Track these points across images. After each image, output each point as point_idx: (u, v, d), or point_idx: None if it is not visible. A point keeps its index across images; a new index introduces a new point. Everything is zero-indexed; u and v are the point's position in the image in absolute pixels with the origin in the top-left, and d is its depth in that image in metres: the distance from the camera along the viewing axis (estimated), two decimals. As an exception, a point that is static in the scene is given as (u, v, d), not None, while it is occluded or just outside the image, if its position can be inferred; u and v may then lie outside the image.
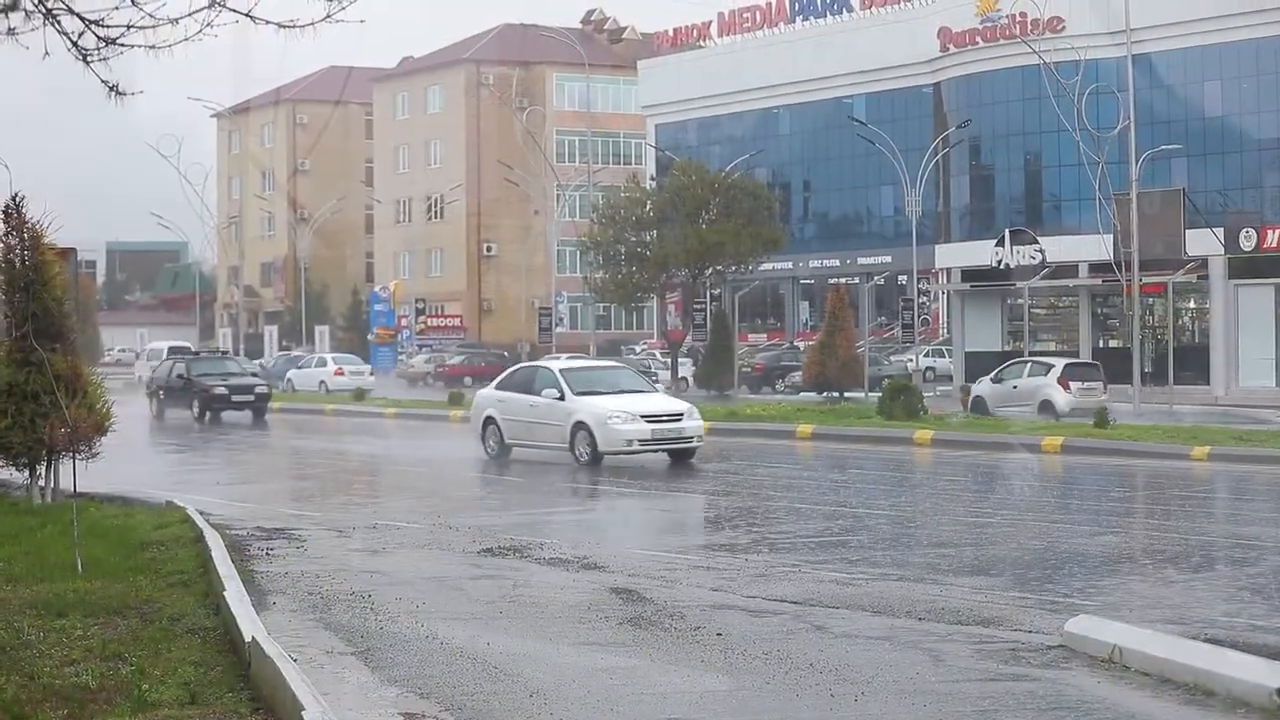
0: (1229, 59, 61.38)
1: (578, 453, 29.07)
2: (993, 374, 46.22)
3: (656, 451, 29.26)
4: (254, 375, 53.00)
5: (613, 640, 12.65)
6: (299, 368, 70.98)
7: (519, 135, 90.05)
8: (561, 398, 29.54)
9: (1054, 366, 45.23)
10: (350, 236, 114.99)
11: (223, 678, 10.78)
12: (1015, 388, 44.34)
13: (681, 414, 29.33)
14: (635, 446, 28.78)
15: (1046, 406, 42.69)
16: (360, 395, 57.12)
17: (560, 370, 30.95)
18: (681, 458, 29.27)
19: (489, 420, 31.28)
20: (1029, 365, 46.12)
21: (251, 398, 48.72)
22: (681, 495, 25.67)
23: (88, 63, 10.28)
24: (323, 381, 66.49)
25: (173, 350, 77.48)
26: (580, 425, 28.96)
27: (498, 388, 31.93)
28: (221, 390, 48.36)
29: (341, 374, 66.78)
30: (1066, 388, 43.49)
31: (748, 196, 62.78)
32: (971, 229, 68.79)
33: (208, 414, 47.95)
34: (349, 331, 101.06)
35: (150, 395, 50.85)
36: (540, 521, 21.65)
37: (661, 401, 30.48)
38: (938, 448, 34.10)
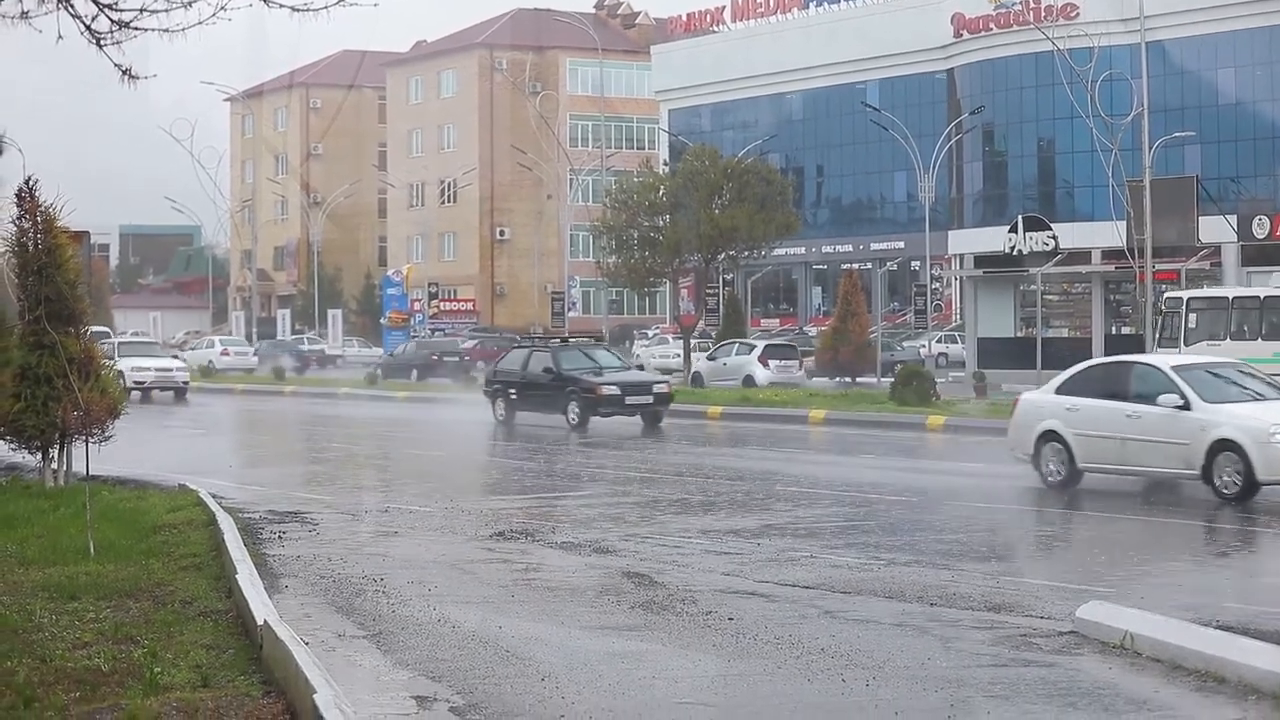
0: (1242, 46, 61.23)
1: (1219, 482, 21.01)
2: (708, 353, 54.81)
3: None
4: (641, 368, 43.39)
5: (625, 624, 12.67)
6: (190, 349, 76.42)
7: (532, 120, 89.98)
8: (1185, 406, 21.51)
9: (756, 347, 53.31)
10: (363, 220, 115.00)
11: (235, 661, 10.81)
12: (725, 364, 52.23)
13: None
14: None
15: (749, 380, 49.92)
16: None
17: (1175, 368, 22.59)
18: None
19: (1048, 435, 23.15)
20: (736, 346, 53.12)
21: (649, 399, 36.37)
22: None
23: (101, 46, 10.27)
24: (210, 361, 70.34)
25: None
26: (1224, 445, 21.04)
27: (1060, 391, 23.66)
28: (612, 390, 35.96)
29: (228, 355, 72.23)
30: (766, 365, 51.43)
31: (761, 181, 62.51)
32: (985, 215, 68.69)
33: (585, 421, 36.16)
34: (362, 315, 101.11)
35: (492, 395, 38.70)
36: None
37: None
38: (950, 433, 34.08)
